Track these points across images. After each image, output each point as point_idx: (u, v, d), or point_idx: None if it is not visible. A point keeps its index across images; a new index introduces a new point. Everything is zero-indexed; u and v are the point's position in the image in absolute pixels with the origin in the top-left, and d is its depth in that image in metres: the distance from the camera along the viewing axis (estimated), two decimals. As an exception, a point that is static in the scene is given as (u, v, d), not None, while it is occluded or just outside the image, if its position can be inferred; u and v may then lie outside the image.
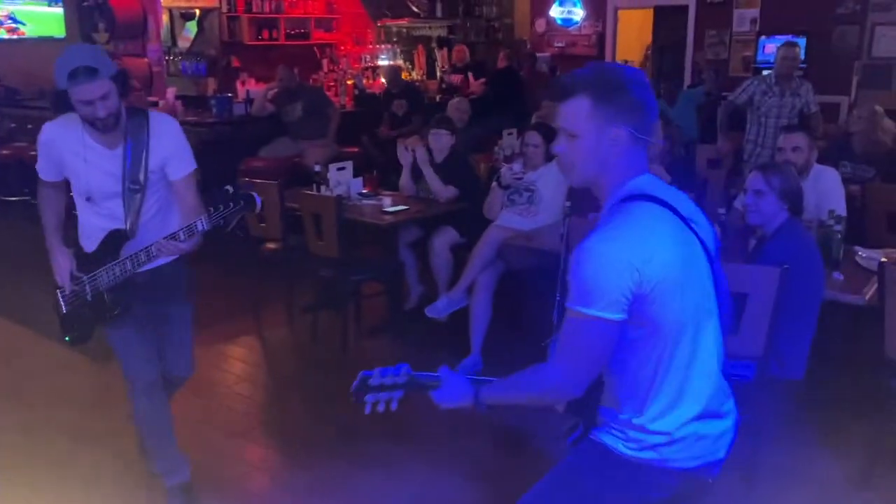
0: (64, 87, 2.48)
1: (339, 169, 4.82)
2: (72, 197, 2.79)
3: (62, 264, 2.73)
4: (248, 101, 6.99)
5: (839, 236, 3.35)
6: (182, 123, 7.14)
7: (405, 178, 4.97)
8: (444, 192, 4.72)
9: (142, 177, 2.64)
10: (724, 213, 3.68)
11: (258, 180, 4.79)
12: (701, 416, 1.66)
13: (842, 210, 3.57)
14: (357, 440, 3.44)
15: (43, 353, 4.41)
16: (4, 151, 7.19)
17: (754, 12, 8.96)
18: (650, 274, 1.53)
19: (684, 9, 9.50)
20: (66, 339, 2.81)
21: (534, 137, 4.35)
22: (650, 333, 1.60)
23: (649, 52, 11.28)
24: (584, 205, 4.18)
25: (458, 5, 11.23)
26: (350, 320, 4.53)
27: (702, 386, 1.66)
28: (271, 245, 4.79)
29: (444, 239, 4.65)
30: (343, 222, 4.20)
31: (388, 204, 4.56)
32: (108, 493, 3.11)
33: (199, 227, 2.52)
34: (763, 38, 8.49)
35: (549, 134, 4.40)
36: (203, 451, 3.45)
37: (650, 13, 10.66)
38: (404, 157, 4.95)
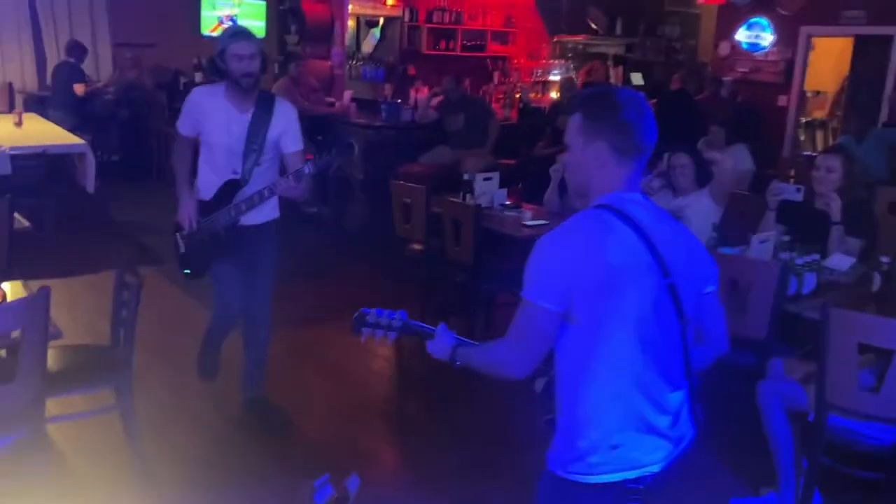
0: (224, 47, 3.18)
1: (486, 179, 4.90)
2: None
3: (189, 208, 3.36)
4: (416, 108, 7.27)
5: None
6: (353, 125, 7.56)
7: (551, 193, 4.96)
8: (587, 209, 4.66)
9: (260, 139, 3.28)
10: (888, 261, 3.35)
11: (411, 184, 4.97)
12: (638, 429, 1.74)
13: None
14: (468, 443, 3.49)
15: (201, 323, 4.82)
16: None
17: (972, 46, 8.06)
18: (581, 272, 1.66)
19: (888, 39, 8.72)
20: (186, 272, 3.50)
21: (681, 158, 4.21)
22: (582, 333, 1.70)
23: (846, 83, 10.45)
24: (730, 235, 3.99)
25: (638, 23, 10.99)
26: (479, 328, 4.60)
27: (635, 398, 1.73)
28: (415, 246, 4.96)
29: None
30: (480, 230, 4.27)
31: (529, 217, 4.58)
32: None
33: (307, 171, 3.16)
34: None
35: (698, 158, 4.24)
36: (321, 432, 3.65)
37: (849, 42, 9.88)
38: (555, 172, 4.94)
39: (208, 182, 3.38)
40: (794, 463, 2.93)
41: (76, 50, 8.07)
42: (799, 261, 3.30)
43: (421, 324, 2.04)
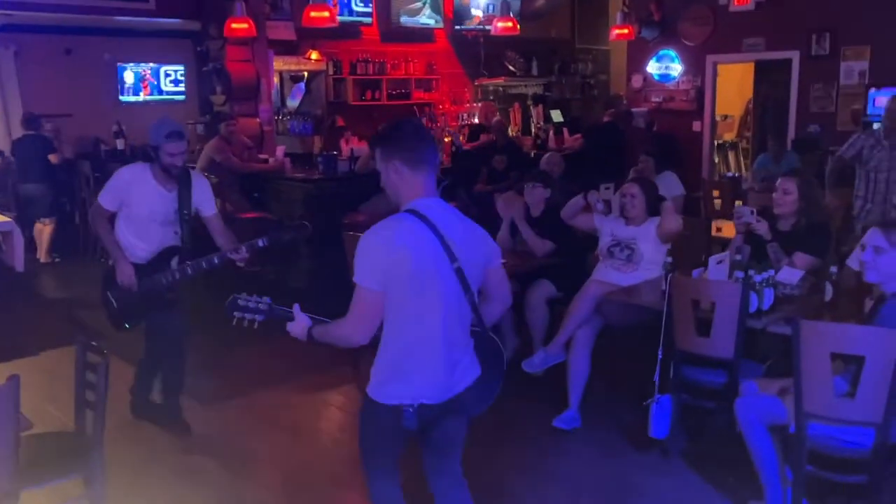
0: (158, 143, 3.67)
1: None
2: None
3: (130, 270, 3.75)
4: (353, 158, 7.26)
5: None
6: (290, 180, 7.47)
7: (504, 232, 5.03)
8: (540, 246, 4.76)
9: (189, 209, 3.83)
10: (835, 270, 3.54)
11: (352, 233, 4.95)
12: (428, 370, 2.33)
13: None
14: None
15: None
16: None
17: (863, 64, 8.69)
18: (393, 261, 2.22)
19: (787, 63, 9.31)
20: (126, 325, 3.90)
21: (632, 188, 4.35)
22: (394, 301, 2.26)
23: (751, 106, 11.08)
24: (686, 261, 4.14)
25: (553, 63, 11.40)
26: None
27: (434, 351, 2.32)
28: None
29: (541, 293, 4.66)
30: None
31: (486, 258, 4.62)
32: None
33: (260, 244, 3.69)
34: (873, 90, 8.19)
35: (648, 187, 4.39)
36: (302, 496, 3.54)
37: (751, 68, 10.51)
38: (504, 212, 5.02)
39: (138, 249, 3.83)
40: (780, 474, 3.02)
41: (34, 121, 7.81)
42: (757, 278, 3.45)
43: (283, 308, 2.49)
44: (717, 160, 10.89)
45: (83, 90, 8.99)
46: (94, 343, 3.03)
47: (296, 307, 2.45)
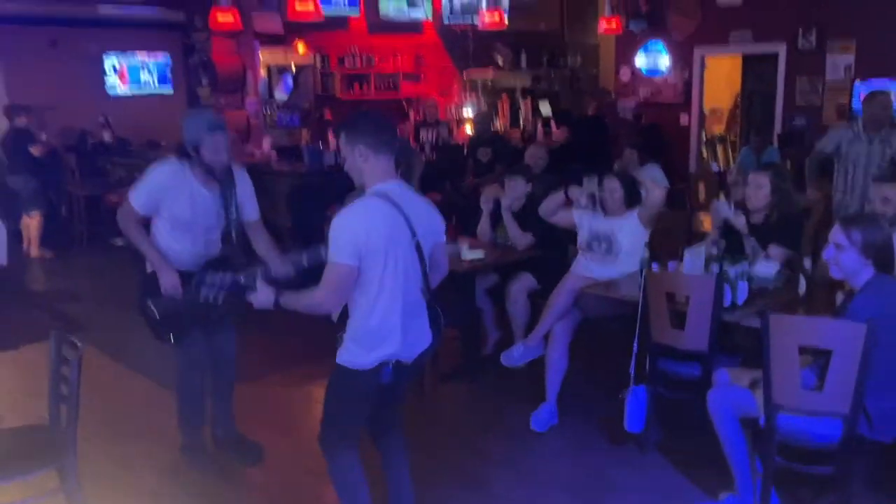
0: (199, 137, 3.26)
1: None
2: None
3: (174, 277, 3.35)
4: (339, 151, 7.26)
5: (935, 291, 3.17)
6: (275, 172, 7.47)
7: (484, 224, 5.05)
8: (521, 238, 4.77)
9: (233, 211, 3.44)
10: (809, 264, 3.56)
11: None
12: (394, 333, 2.60)
13: (938, 263, 3.40)
14: (427, 486, 3.46)
15: (138, 389, 4.67)
16: (113, 198, 7.72)
17: (849, 58, 8.71)
18: (366, 239, 2.48)
19: (774, 57, 9.33)
20: (168, 337, 3.45)
21: (611, 182, 4.35)
22: (366, 272, 2.51)
23: (738, 99, 11.10)
24: (662, 254, 4.15)
25: (541, 56, 11.38)
26: (426, 365, 4.58)
27: (402, 316, 2.60)
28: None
29: (522, 285, 4.67)
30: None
31: (466, 250, 4.63)
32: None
33: (305, 264, 3.06)
34: (858, 83, 8.22)
35: (628, 182, 4.40)
36: (286, 488, 3.55)
37: (739, 61, 10.51)
38: (485, 204, 5.03)
39: (181, 255, 3.42)
40: (750, 466, 3.05)
41: (17, 111, 7.73)
42: (731, 271, 3.47)
43: (244, 282, 2.69)
44: (705, 154, 10.92)
45: (69, 82, 8.97)
46: (68, 336, 3.03)
47: (258, 278, 2.65)
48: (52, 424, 3.05)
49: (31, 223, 7.83)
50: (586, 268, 4.33)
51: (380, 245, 2.51)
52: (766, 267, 3.75)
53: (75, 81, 9.06)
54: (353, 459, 2.76)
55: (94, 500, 3.19)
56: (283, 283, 2.79)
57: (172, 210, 3.37)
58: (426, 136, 8.00)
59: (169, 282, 3.36)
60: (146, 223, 3.48)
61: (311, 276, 2.76)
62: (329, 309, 2.59)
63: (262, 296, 2.63)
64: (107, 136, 8.83)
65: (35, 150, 7.65)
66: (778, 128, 9.28)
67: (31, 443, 3.01)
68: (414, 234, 2.60)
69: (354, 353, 2.63)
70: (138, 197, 3.37)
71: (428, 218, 2.70)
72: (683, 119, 10.34)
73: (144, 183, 3.38)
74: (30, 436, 3.09)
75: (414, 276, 2.65)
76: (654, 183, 4.25)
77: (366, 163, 2.59)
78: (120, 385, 4.74)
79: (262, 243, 3.56)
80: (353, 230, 2.50)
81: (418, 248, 2.62)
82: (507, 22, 8.60)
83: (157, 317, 3.41)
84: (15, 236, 7.92)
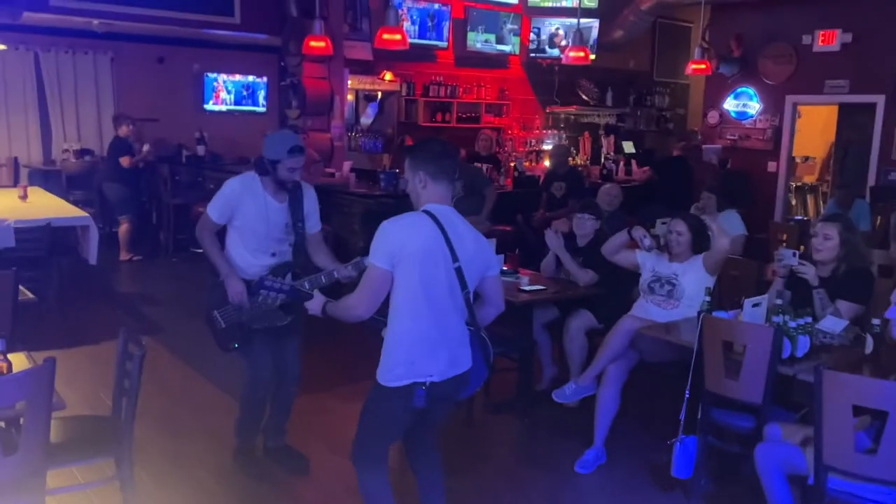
0: (279, 157, 3.45)
1: (484, 246, 4.97)
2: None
3: (240, 287, 3.53)
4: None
5: None
6: (351, 194, 7.66)
7: (549, 259, 5.05)
8: (582, 275, 4.74)
9: (301, 223, 3.61)
10: (878, 323, 3.41)
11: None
12: (429, 354, 2.63)
13: None
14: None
15: (201, 391, 4.87)
16: (201, 209, 8.08)
17: (953, 112, 8.31)
18: (402, 246, 2.56)
19: (872, 106, 8.99)
20: (234, 346, 3.64)
21: (678, 225, 4.29)
22: (400, 286, 2.58)
23: (832, 149, 10.71)
24: (726, 302, 4.06)
25: (629, 94, 11.33)
26: (478, 394, 4.60)
27: (436, 335, 2.64)
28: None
29: (580, 322, 4.64)
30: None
31: (526, 283, 4.64)
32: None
33: (364, 263, 3.15)
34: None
35: (697, 226, 4.31)
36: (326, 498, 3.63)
37: (835, 110, 10.17)
38: (551, 241, 5.02)
39: (251, 265, 3.59)
40: (797, 527, 2.93)
41: (121, 121, 8.24)
42: (792, 324, 3.36)
43: (302, 289, 2.91)
44: (794, 202, 10.57)
45: (170, 97, 9.52)
46: (135, 335, 3.21)
47: (316, 291, 2.84)
48: (114, 416, 3.23)
49: (121, 228, 8.30)
50: (646, 310, 4.26)
51: (414, 255, 2.55)
52: (833, 322, 3.61)
53: (176, 97, 9.61)
54: (381, 477, 2.80)
55: (146, 490, 3.34)
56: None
57: (245, 219, 3.55)
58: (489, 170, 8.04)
59: (235, 290, 3.52)
60: (221, 236, 3.67)
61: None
62: (362, 313, 2.62)
63: (316, 303, 2.77)
64: (201, 150, 9.30)
65: (124, 162, 8.05)
66: (872, 180, 8.92)
67: (93, 432, 3.19)
68: (455, 259, 2.62)
69: (387, 367, 2.67)
70: (214, 206, 3.59)
71: (475, 247, 2.71)
72: (771, 166, 10.06)
73: (220, 193, 3.59)
74: (92, 425, 3.28)
75: (454, 300, 2.67)
76: (721, 230, 4.17)
77: (424, 189, 2.68)
78: (184, 386, 4.96)
79: (321, 254, 3.69)
80: (390, 236, 2.57)
81: (459, 273, 2.64)
82: (592, 58, 8.63)
83: (223, 325, 3.62)
84: (110, 238, 8.43)
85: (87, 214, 6.49)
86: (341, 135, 9.03)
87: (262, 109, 10.24)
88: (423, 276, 2.58)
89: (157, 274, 8.08)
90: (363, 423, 2.79)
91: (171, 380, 4.96)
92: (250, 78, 10.14)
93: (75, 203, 7.52)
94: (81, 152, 9.03)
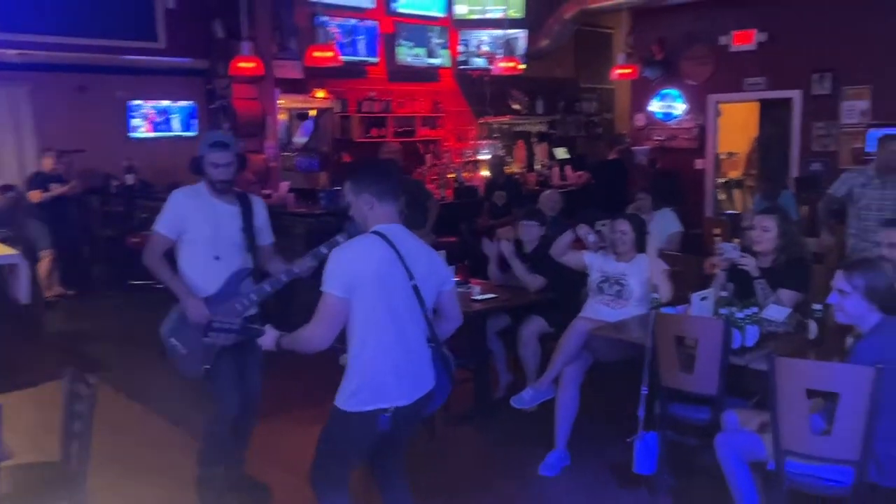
0: (202, 153, 3.38)
1: (432, 258, 4.98)
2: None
3: (200, 305, 3.35)
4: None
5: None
6: (292, 214, 7.56)
7: (493, 268, 5.09)
8: (532, 281, 4.79)
9: (252, 229, 3.49)
10: (820, 308, 3.55)
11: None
12: (393, 376, 2.60)
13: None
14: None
15: (152, 428, 4.70)
16: (134, 239, 7.87)
17: (864, 104, 8.75)
18: (356, 272, 2.53)
19: (789, 102, 9.39)
20: (206, 367, 3.42)
21: (622, 224, 4.38)
22: (359, 311, 2.54)
23: (755, 144, 11.14)
24: (677, 297, 4.16)
25: (558, 102, 11.54)
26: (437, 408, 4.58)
27: (399, 357, 2.61)
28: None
29: (533, 328, 4.68)
30: (432, 310, 4.31)
31: (478, 292, 4.66)
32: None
33: (324, 251, 3.14)
34: (873, 130, 8.23)
35: (639, 224, 4.43)
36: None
37: (755, 106, 10.59)
38: (489, 249, 5.08)
39: (208, 282, 3.40)
40: (760, 512, 3.01)
41: (43, 154, 7.91)
42: (739, 315, 3.46)
43: (254, 326, 2.82)
44: (722, 197, 10.93)
45: (96, 126, 9.21)
46: (82, 374, 3.08)
47: (268, 325, 2.76)
48: (64, 461, 3.09)
49: (40, 264, 7.94)
50: (596, 311, 4.34)
51: (370, 280, 2.53)
52: (777, 311, 3.74)
53: (101, 126, 9.29)
54: (343, 501, 2.76)
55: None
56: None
57: (197, 228, 3.41)
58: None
59: (195, 310, 3.35)
60: (172, 260, 3.50)
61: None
62: (320, 343, 2.57)
63: (269, 339, 2.70)
64: (130, 179, 9.02)
65: (33, 197, 7.74)
66: (795, 172, 9.30)
67: (43, 479, 3.05)
68: (411, 277, 2.61)
69: (348, 393, 2.62)
70: (162, 221, 3.45)
71: (428, 263, 2.71)
72: (698, 164, 10.39)
73: (165, 208, 3.47)
74: (42, 472, 3.12)
75: (413, 319, 2.64)
76: (661, 278, 4.23)
77: (371, 210, 2.66)
78: (135, 423, 4.78)
79: (276, 264, 3.55)
80: (344, 263, 2.55)
81: (416, 291, 2.62)
82: (522, 68, 8.76)
83: (185, 351, 3.44)
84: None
85: (15, 252, 6.22)
86: (276, 155, 8.92)
87: (191, 134, 10.02)
88: (382, 299, 2.56)
89: (92, 309, 7.79)
90: (323, 448, 2.74)
91: (120, 418, 4.76)
92: (177, 103, 9.92)
93: (2, 241, 7.19)
94: (2, 189, 8.65)
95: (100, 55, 8.23)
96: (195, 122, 9.97)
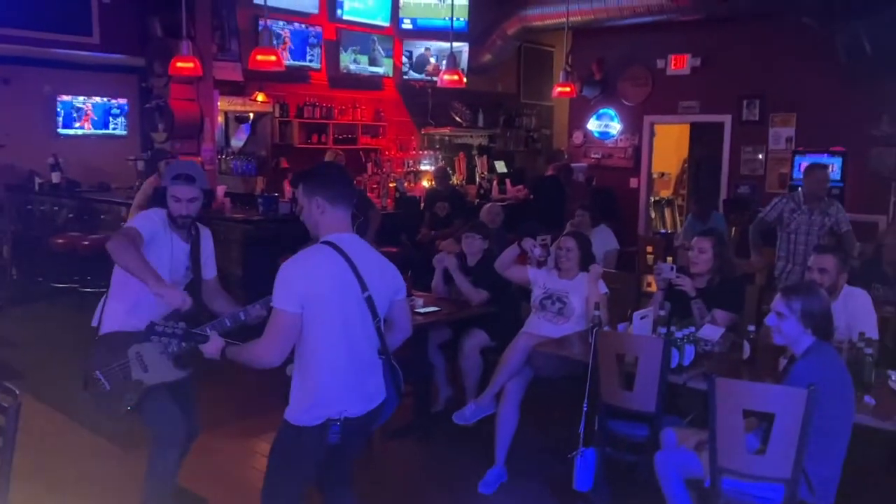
0: (165, 183, 3.22)
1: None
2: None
3: (178, 294, 2.98)
4: (294, 200, 7.24)
5: (870, 359, 3.30)
6: (229, 220, 7.37)
7: (437, 280, 5.08)
8: (475, 295, 4.80)
9: (198, 267, 3.33)
10: (753, 329, 3.67)
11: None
12: (345, 388, 2.54)
13: (873, 333, 3.55)
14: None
15: (75, 439, 4.50)
16: (59, 240, 7.53)
17: (790, 131, 9.15)
18: (309, 286, 2.44)
19: (720, 125, 9.74)
20: (129, 407, 3.17)
21: (568, 242, 4.44)
22: (309, 324, 2.46)
23: (686, 164, 11.50)
24: (615, 315, 4.23)
25: (498, 116, 11.65)
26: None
27: (351, 370, 2.55)
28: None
29: (475, 341, 4.69)
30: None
31: (420, 305, 4.64)
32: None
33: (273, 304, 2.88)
34: (798, 156, 8.61)
35: (583, 242, 4.49)
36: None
37: (686, 128, 10.94)
38: (447, 262, 5.05)
39: (138, 313, 3.09)
40: (696, 528, 3.07)
41: None
42: (678, 334, 3.55)
43: (197, 332, 2.71)
44: (653, 216, 11.23)
45: (19, 121, 8.80)
46: (4, 384, 2.91)
47: (210, 331, 2.71)
48: (-17, 477, 2.91)
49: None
50: (538, 326, 4.37)
51: (323, 293, 2.46)
52: (711, 330, 3.85)
53: (25, 121, 8.89)
54: None
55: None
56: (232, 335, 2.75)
57: (154, 256, 3.11)
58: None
59: (174, 297, 2.96)
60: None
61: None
62: (271, 360, 2.47)
63: (212, 346, 2.63)
64: (56, 177, 8.65)
65: None
66: (724, 194, 9.63)
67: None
68: (364, 288, 2.54)
69: (299, 407, 2.56)
70: (144, 221, 3.21)
71: (381, 273, 2.64)
72: (633, 182, 10.67)
73: (145, 215, 3.26)
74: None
75: (365, 331, 2.59)
76: (593, 283, 4.30)
77: (322, 215, 2.57)
78: (57, 434, 4.56)
79: (221, 300, 3.35)
80: (296, 277, 2.46)
81: (369, 302, 2.56)
82: (465, 82, 8.80)
83: (108, 387, 3.16)
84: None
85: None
86: (212, 158, 8.69)
87: (122, 133, 9.69)
88: (334, 313, 2.49)
89: (10, 314, 7.41)
90: (273, 465, 2.65)
91: (41, 430, 4.53)
92: (110, 100, 9.58)
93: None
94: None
95: (28, 47, 7.86)
96: (127, 120, 9.67)
